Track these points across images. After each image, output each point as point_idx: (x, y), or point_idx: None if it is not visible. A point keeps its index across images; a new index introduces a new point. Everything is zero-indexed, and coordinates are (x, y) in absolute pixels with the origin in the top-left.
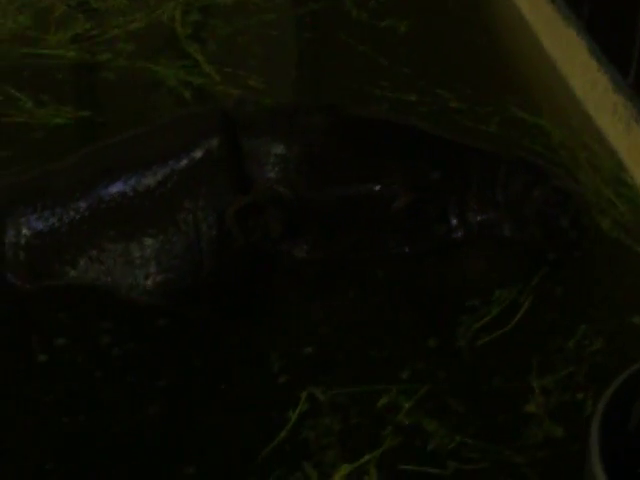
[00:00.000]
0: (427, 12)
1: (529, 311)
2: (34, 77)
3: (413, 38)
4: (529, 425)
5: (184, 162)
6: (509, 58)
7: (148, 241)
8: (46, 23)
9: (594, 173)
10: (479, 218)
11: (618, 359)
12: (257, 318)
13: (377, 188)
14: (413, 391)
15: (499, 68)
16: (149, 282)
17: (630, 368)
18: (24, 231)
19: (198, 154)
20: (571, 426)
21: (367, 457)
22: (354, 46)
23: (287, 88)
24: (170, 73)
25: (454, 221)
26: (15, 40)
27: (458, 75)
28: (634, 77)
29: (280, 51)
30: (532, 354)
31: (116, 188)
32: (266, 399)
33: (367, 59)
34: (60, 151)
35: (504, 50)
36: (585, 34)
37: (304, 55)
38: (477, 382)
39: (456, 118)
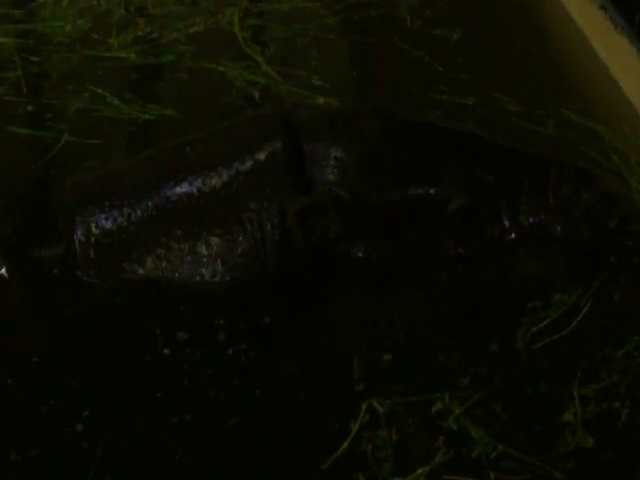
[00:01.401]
0: (479, 21)
1: (587, 316)
2: (108, 77)
3: (466, 45)
4: (563, 434)
5: (249, 164)
6: (561, 63)
7: (214, 240)
8: (105, 27)
9: None
10: (531, 220)
11: None
12: (316, 318)
13: (432, 191)
14: (465, 398)
15: (552, 73)
16: (216, 280)
17: None
18: (93, 230)
19: (262, 156)
20: (603, 436)
21: (419, 471)
22: (409, 52)
23: (346, 90)
24: (237, 74)
25: (507, 223)
26: (75, 43)
27: (513, 80)
28: None
29: (338, 55)
30: (581, 361)
31: (182, 188)
32: (329, 407)
33: (422, 64)
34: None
35: (556, 56)
36: (636, 40)
37: (361, 59)
38: (525, 387)
39: (513, 120)
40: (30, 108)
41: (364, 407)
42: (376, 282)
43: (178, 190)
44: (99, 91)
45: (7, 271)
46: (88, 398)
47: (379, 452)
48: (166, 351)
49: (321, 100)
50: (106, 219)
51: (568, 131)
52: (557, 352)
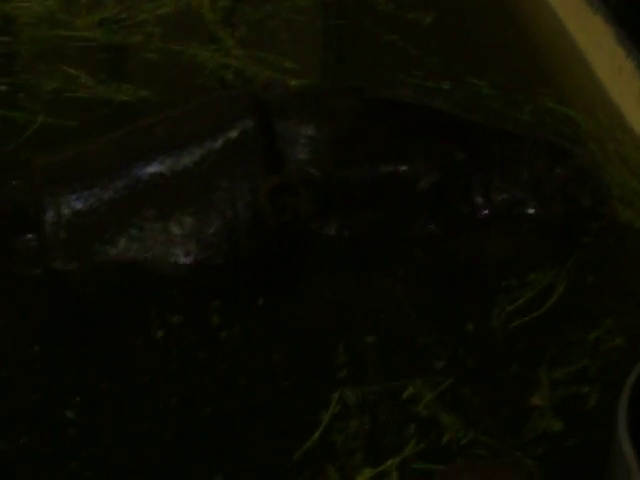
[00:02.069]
0: (453, 5)
1: (561, 296)
2: (78, 57)
3: (440, 29)
4: (532, 419)
5: (220, 143)
6: (536, 47)
7: (187, 220)
8: (74, 8)
9: (621, 164)
10: (504, 197)
11: (632, 358)
12: (290, 299)
13: (403, 168)
14: (437, 383)
15: (527, 57)
16: (189, 259)
17: None
18: (64, 210)
19: (233, 135)
20: (571, 420)
21: (390, 462)
22: (382, 35)
23: (318, 73)
24: (209, 56)
25: (479, 200)
26: (42, 23)
27: (488, 64)
28: None
29: (310, 38)
30: (553, 343)
31: (153, 168)
32: (301, 397)
33: (395, 48)
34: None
35: (531, 39)
36: (612, 21)
37: (333, 42)
38: (498, 369)
39: (489, 104)
40: (3, 88)
41: (336, 396)
42: (349, 261)
43: (149, 169)
44: (72, 71)
45: None
46: (72, 388)
47: (350, 442)
48: (143, 335)
49: (293, 82)
50: (76, 200)
51: (544, 116)
52: (530, 333)
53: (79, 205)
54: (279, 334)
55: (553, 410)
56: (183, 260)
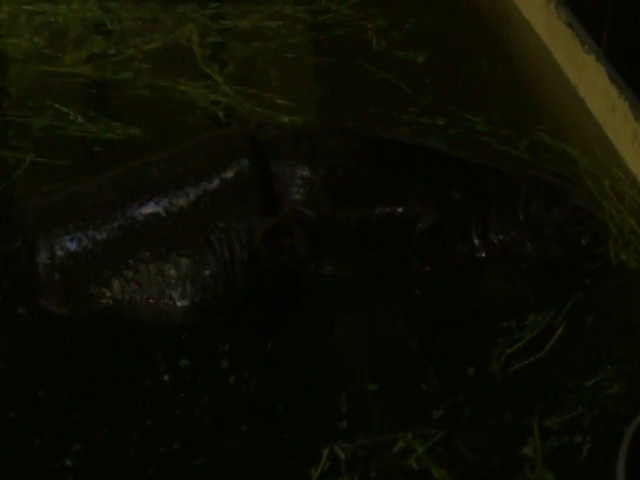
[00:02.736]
0: (445, 43)
1: (560, 339)
2: (68, 94)
3: (433, 67)
4: (523, 470)
5: (216, 183)
6: (530, 84)
7: (183, 261)
8: (62, 43)
9: (619, 202)
10: (501, 237)
11: (629, 407)
12: (284, 341)
13: (400, 209)
14: (428, 436)
15: (521, 94)
16: (185, 302)
17: None
18: (58, 252)
19: (229, 175)
20: (563, 472)
21: None
22: (374, 73)
23: (310, 110)
24: (199, 93)
25: (476, 241)
26: (30, 60)
27: (482, 101)
28: None
29: (300, 75)
30: (550, 389)
31: (148, 209)
32: (291, 452)
33: (388, 86)
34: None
35: (525, 76)
36: (604, 60)
37: (324, 79)
38: (491, 417)
39: (485, 141)
40: None
41: (326, 453)
42: (345, 302)
43: (144, 210)
44: (62, 108)
45: None
46: (72, 435)
47: None
48: (148, 379)
49: (286, 119)
50: (70, 241)
51: (541, 152)
52: (528, 378)
53: (73, 247)
54: (284, 380)
55: (545, 461)
56: (179, 302)
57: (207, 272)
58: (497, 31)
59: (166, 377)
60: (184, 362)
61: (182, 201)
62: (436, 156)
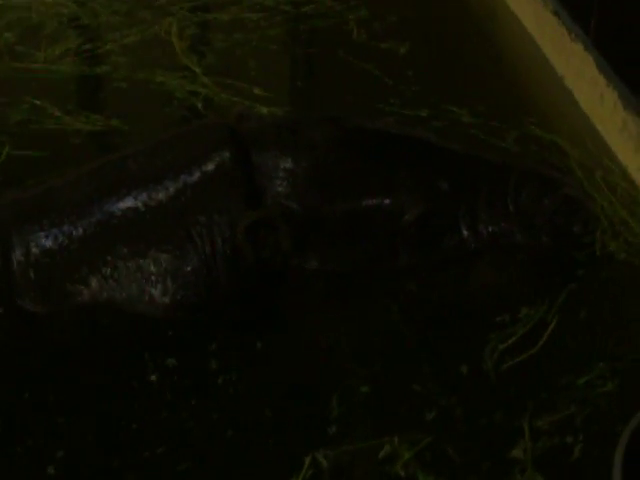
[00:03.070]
0: (429, 34)
1: (553, 334)
2: (44, 89)
3: (416, 59)
4: (513, 473)
5: (196, 176)
6: (516, 74)
7: (163, 257)
8: (36, 39)
9: (610, 192)
10: (490, 228)
11: (623, 405)
12: (268, 339)
13: (387, 201)
14: (416, 440)
15: (507, 85)
16: (166, 298)
17: None
18: (33, 249)
19: (210, 168)
20: (553, 474)
21: None
22: (356, 64)
23: (290, 101)
24: (177, 84)
25: (465, 232)
26: (2, 56)
27: (467, 92)
28: None
29: (280, 66)
30: (542, 388)
31: (127, 203)
32: (273, 460)
33: (370, 77)
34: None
35: (510, 67)
36: (592, 49)
37: (305, 71)
38: (482, 417)
39: (471, 133)
40: None
41: (308, 461)
42: (331, 297)
43: (122, 205)
44: (38, 103)
45: None
46: (54, 442)
47: None
48: (134, 379)
49: (265, 110)
50: (46, 238)
51: (530, 144)
52: (520, 375)
53: (49, 243)
54: (273, 382)
55: (535, 463)
56: (160, 299)
57: (188, 268)
58: (482, 21)
59: (153, 377)
60: (172, 362)
61: (161, 195)
62: (423, 146)
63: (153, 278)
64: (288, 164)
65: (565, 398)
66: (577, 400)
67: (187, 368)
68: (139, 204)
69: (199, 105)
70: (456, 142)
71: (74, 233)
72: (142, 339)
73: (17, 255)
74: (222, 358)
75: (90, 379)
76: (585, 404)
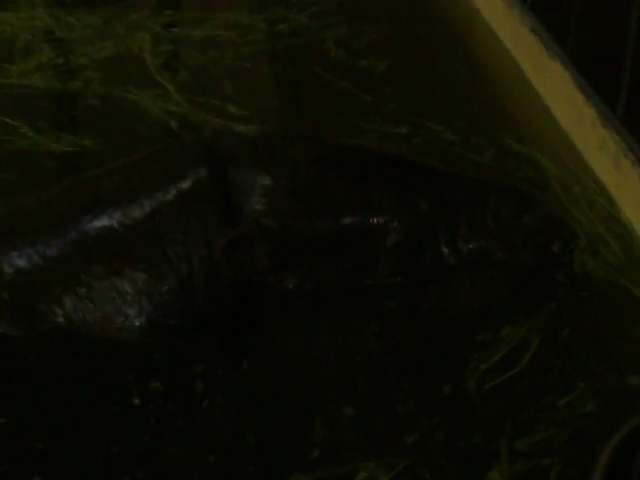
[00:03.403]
0: (407, 52)
1: (535, 354)
2: (15, 105)
3: (394, 76)
4: None
5: (172, 194)
6: (494, 91)
7: (139, 276)
8: (9, 53)
9: (588, 209)
10: (470, 246)
11: (602, 426)
12: (245, 360)
13: (366, 219)
14: (392, 465)
15: (485, 102)
16: (142, 319)
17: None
18: (6, 269)
19: (186, 186)
20: None
21: None
22: (333, 82)
23: (266, 119)
24: (151, 102)
25: (445, 250)
26: None
27: (446, 109)
28: (622, 110)
29: (255, 83)
30: (522, 408)
31: (101, 222)
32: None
33: (348, 95)
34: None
35: (489, 84)
36: (570, 66)
37: (281, 88)
38: (461, 439)
39: (449, 149)
40: None
41: None
42: (310, 315)
43: (97, 224)
44: (10, 121)
45: None
46: (29, 464)
47: None
48: (116, 403)
49: (241, 128)
50: (19, 257)
51: (508, 159)
52: (501, 396)
53: (22, 263)
54: (258, 405)
55: None
56: (136, 320)
57: (164, 287)
58: (460, 39)
59: (136, 400)
60: (156, 385)
61: (136, 213)
62: (402, 164)
63: (129, 298)
64: (266, 181)
65: (545, 419)
66: (557, 421)
67: (172, 391)
68: (114, 223)
69: (173, 124)
70: (436, 159)
71: (48, 252)
72: (125, 361)
73: None
74: (208, 379)
75: (69, 402)
76: (565, 425)
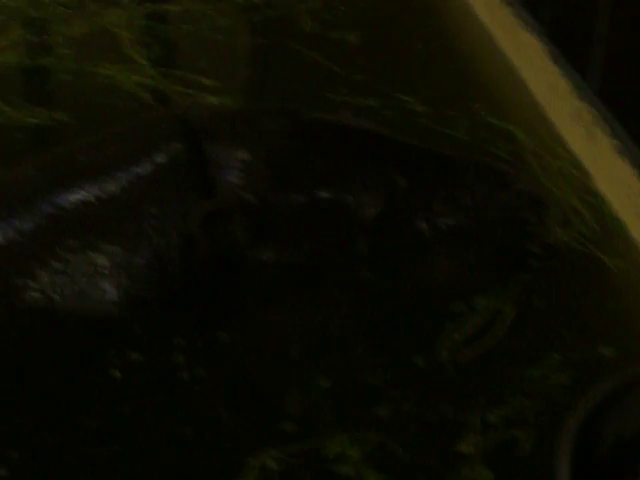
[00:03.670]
0: (380, 24)
1: (511, 325)
2: None
3: (366, 48)
4: (461, 470)
5: (148, 168)
6: (468, 64)
7: (115, 250)
8: None
9: (562, 180)
10: (447, 221)
11: (575, 398)
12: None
13: (344, 194)
14: (365, 440)
15: (458, 74)
16: (119, 292)
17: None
18: None
19: (162, 159)
20: (503, 468)
21: None
22: (305, 54)
23: (240, 91)
24: (125, 77)
25: (421, 225)
26: None
27: (418, 81)
28: (596, 82)
29: (230, 56)
30: (495, 380)
31: (77, 196)
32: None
33: (321, 67)
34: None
35: (462, 56)
36: (545, 38)
37: (255, 61)
38: (433, 412)
39: (423, 122)
40: None
41: (254, 463)
42: (288, 288)
43: (72, 198)
44: None
45: None
46: (8, 442)
47: None
48: (95, 375)
49: (215, 100)
50: None
51: (482, 133)
52: (475, 368)
53: None
54: (237, 378)
55: (484, 458)
56: (112, 293)
57: (141, 261)
58: (433, 11)
59: (116, 373)
60: (135, 356)
61: (112, 187)
62: (381, 139)
63: (105, 272)
64: (244, 155)
65: (517, 390)
66: (529, 392)
67: (151, 363)
68: (90, 197)
69: (147, 97)
70: (407, 132)
71: (23, 227)
72: (103, 334)
73: None
74: (187, 352)
75: (47, 375)
76: (537, 397)
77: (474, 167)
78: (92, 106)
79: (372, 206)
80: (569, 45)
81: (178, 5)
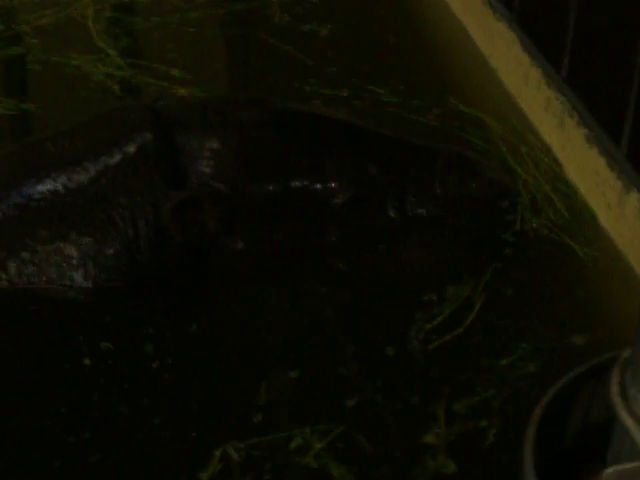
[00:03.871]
0: (351, 16)
1: (479, 314)
2: None
3: (337, 40)
4: (424, 460)
5: (117, 158)
6: (440, 54)
7: (84, 240)
8: None
9: (534, 168)
10: (418, 210)
11: (542, 388)
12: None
13: (315, 182)
14: (327, 431)
15: (430, 64)
16: (88, 282)
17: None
18: None
19: (131, 149)
20: (466, 460)
21: None
22: (276, 46)
23: (209, 82)
24: (92, 67)
25: (393, 214)
26: None
27: (389, 72)
28: (567, 71)
29: (200, 48)
30: (463, 369)
31: (46, 186)
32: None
33: (291, 59)
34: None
35: (434, 46)
36: (516, 27)
37: (225, 52)
38: (400, 402)
39: (393, 111)
40: None
41: (218, 454)
42: (259, 277)
43: (41, 188)
44: None
45: None
46: None
47: None
48: (54, 363)
49: (184, 92)
50: None
51: (452, 121)
52: (444, 357)
53: None
54: (206, 368)
55: (448, 449)
56: (81, 283)
57: (110, 251)
58: (406, 3)
59: (86, 360)
60: (106, 345)
61: (82, 177)
62: (352, 129)
63: (74, 262)
64: (214, 144)
65: (485, 380)
66: (497, 382)
67: (122, 352)
68: (59, 186)
69: (115, 87)
70: (380, 123)
71: None
72: (74, 323)
73: None
74: (157, 341)
75: (17, 364)
76: (504, 386)
77: (445, 156)
78: (61, 96)
79: (342, 192)
80: (540, 34)
81: None
